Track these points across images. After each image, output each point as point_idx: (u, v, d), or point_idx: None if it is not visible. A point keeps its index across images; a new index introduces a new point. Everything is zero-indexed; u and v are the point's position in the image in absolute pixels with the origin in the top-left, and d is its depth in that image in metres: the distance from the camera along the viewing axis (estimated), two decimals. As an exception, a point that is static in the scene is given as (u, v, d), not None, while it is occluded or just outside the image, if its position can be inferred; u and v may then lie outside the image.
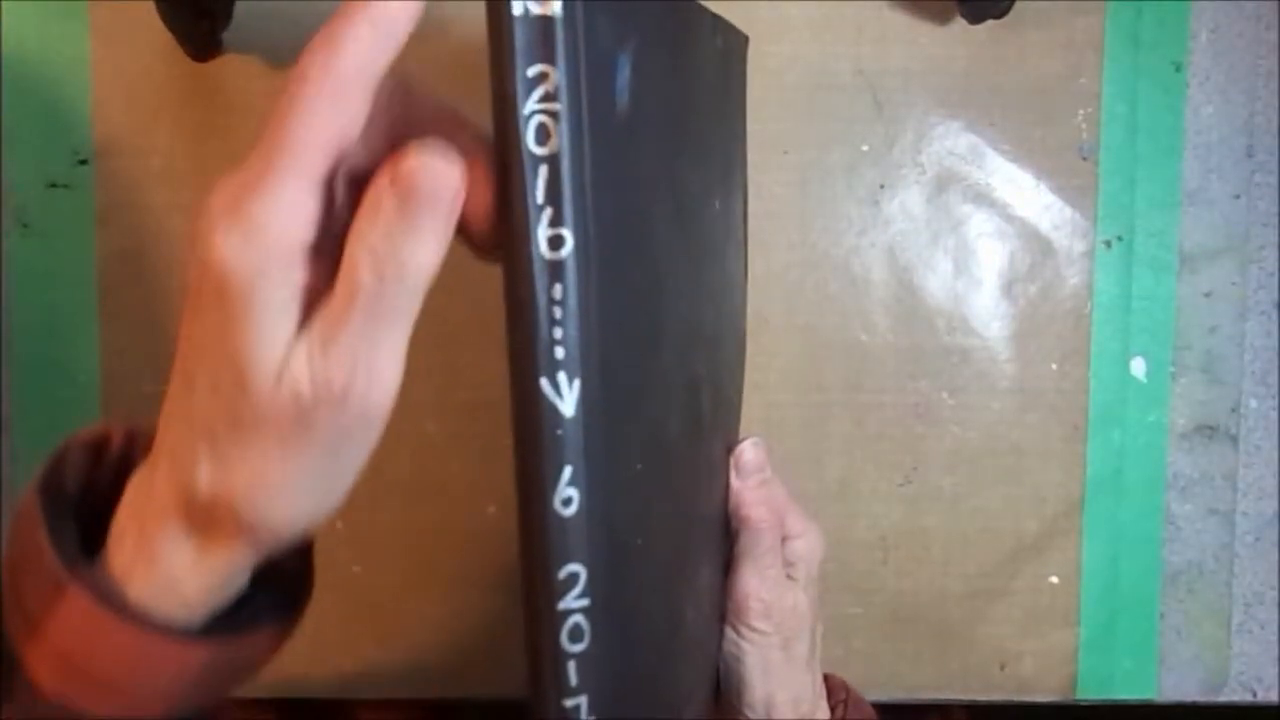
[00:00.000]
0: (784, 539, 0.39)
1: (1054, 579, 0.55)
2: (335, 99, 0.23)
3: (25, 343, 0.52)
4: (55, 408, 0.52)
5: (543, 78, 0.24)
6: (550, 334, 0.24)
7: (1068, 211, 0.54)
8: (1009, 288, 0.54)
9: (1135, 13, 0.54)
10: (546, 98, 0.24)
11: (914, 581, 0.54)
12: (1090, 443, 0.54)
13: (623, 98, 0.27)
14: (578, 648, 0.26)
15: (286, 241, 0.24)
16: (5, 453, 0.52)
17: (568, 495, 0.25)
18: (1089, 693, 0.55)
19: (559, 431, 0.25)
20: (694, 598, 0.34)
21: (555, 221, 0.24)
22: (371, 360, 0.24)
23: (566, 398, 0.25)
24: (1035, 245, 0.54)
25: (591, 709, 0.26)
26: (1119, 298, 0.54)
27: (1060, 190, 0.54)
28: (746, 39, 0.43)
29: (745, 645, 0.38)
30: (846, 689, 0.42)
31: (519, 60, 0.23)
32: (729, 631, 0.38)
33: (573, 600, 0.26)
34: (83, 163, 0.51)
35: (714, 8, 0.37)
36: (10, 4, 0.51)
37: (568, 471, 0.25)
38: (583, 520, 0.25)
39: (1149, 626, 0.55)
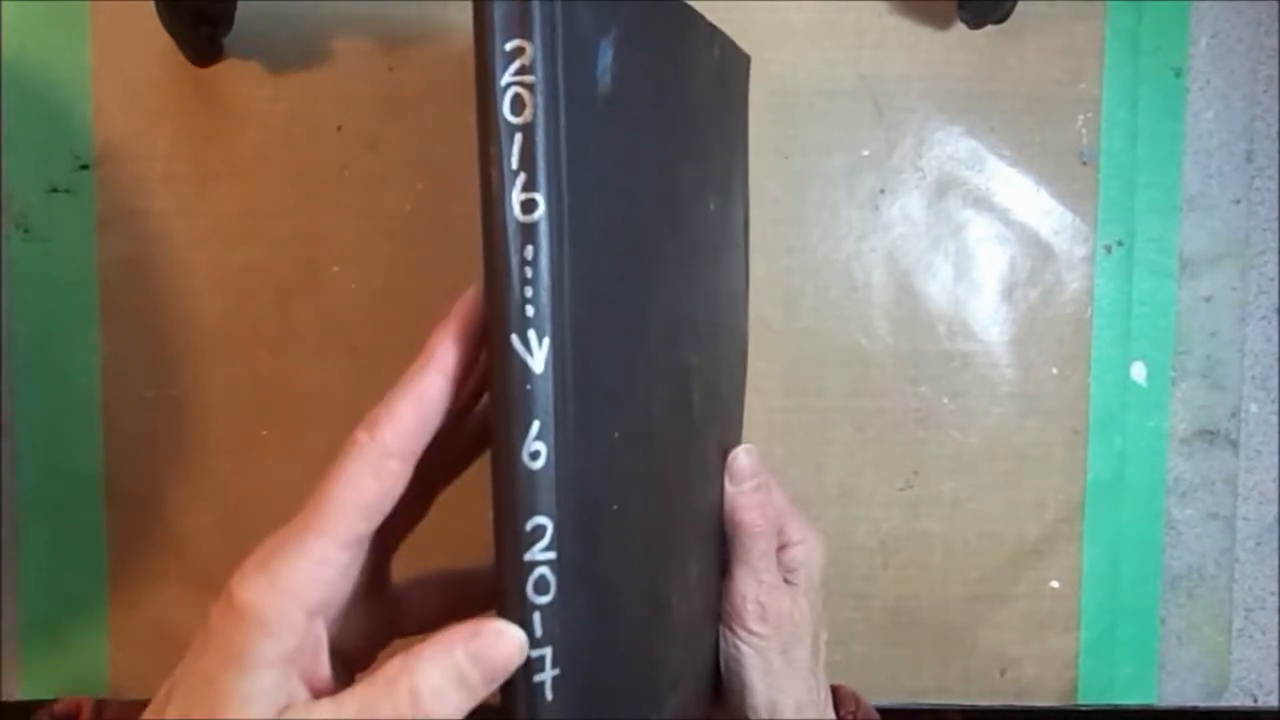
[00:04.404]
0: (783, 545, 0.39)
1: (1054, 584, 0.55)
2: (377, 469, 0.26)
3: (26, 348, 0.52)
4: (56, 413, 0.52)
5: (519, 51, 0.25)
6: (522, 293, 0.26)
7: (1068, 216, 0.54)
8: (1009, 292, 0.54)
9: (1135, 18, 0.54)
10: (522, 70, 0.25)
11: (914, 586, 0.54)
12: (1091, 447, 0.54)
13: (604, 80, 0.28)
14: (543, 599, 0.27)
15: (307, 594, 0.26)
16: (6, 457, 0.52)
17: (535, 449, 0.26)
18: (1089, 698, 0.55)
19: (528, 387, 0.26)
20: (682, 587, 0.35)
21: (528, 186, 0.26)
22: None
23: (536, 355, 0.26)
24: (1035, 250, 0.54)
25: (556, 661, 0.27)
26: (1119, 302, 0.54)
27: (1060, 195, 0.54)
28: (748, 58, 0.43)
29: (744, 649, 0.38)
30: (857, 700, 0.42)
31: (497, 34, 0.25)
32: (728, 635, 0.38)
33: (539, 552, 0.26)
34: (84, 168, 0.51)
35: (715, 12, 0.37)
36: (11, 8, 0.51)
37: (536, 426, 0.26)
38: (550, 474, 0.26)
39: (1150, 631, 0.55)
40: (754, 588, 0.38)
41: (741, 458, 0.38)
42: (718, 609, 0.39)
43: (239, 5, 0.49)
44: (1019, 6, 0.51)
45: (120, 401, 0.52)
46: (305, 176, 0.52)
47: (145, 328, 0.52)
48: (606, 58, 0.28)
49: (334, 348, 0.52)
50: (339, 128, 0.52)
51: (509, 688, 0.27)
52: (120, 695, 0.52)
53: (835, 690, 0.41)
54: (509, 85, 0.25)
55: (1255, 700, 0.56)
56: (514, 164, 0.25)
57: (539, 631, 0.27)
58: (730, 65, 0.41)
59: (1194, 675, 0.55)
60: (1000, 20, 0.52)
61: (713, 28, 0.37)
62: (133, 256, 0.52)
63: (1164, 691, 0.55)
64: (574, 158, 0.26)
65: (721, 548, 0.39)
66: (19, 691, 0.52)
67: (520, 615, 0.26)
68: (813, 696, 0.39)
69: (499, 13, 0.25)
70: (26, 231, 0.52)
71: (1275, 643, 0.56)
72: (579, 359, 0.27)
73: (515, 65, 0.25)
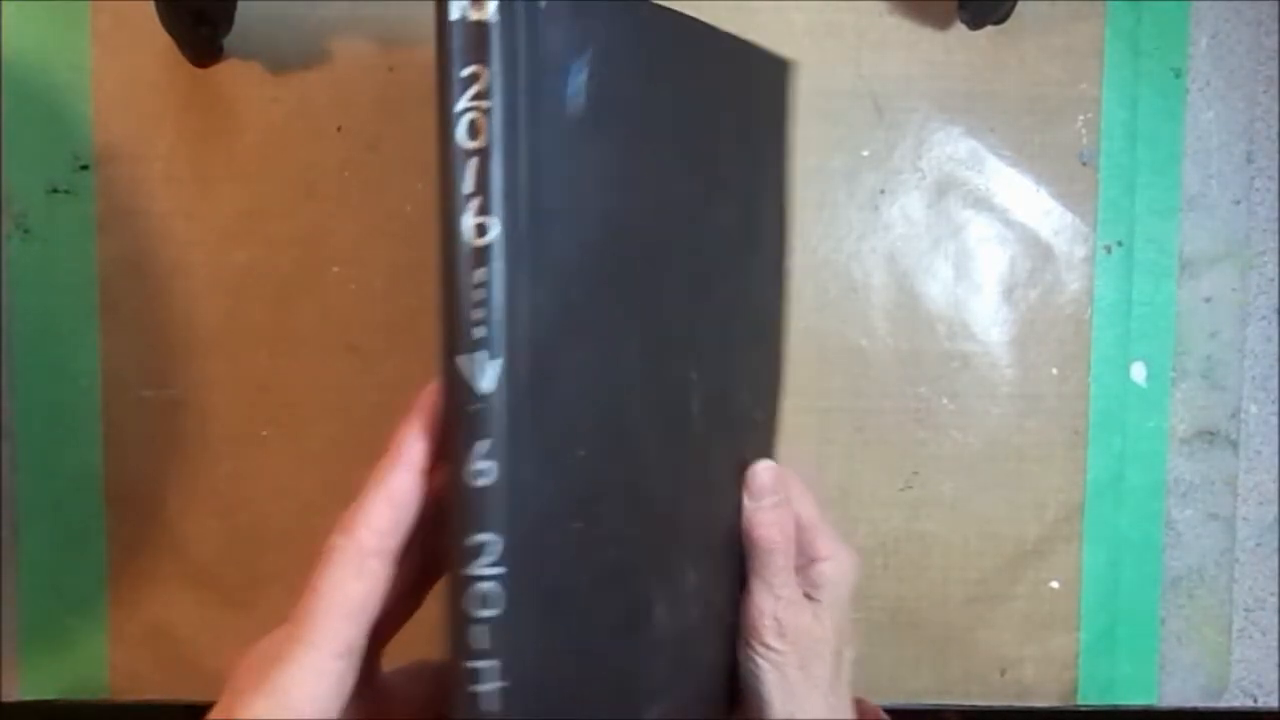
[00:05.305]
0: (812, 560, 0.39)
1: (1055, 584, 0.55)
2: (359, 570, 0.27)
3: (26, 348, 0.52)
4: (56, 413, 0.52)
5: (475, 78, 0.26)
6: (470, 315, 0.26)
7: (1068, 217, 0.54)
8: (1009, 293, 0.54)
9: (1135, 19, 0.54)
10: (479, 95, 0.26)
11: (914, 587, 0.54)
12: (1091, 448, 0.54)
13: (576, 100, 0.28)
14: (488, 613, 0.27)
15: (305, 711, 0.26)
16: (6, 458, 0.52)
17: (481, 468, 0.26)
18: (1090, 698, 0.55)
19: (473, 407, 0.26)
20: (671, 598, 0.35)
21: (482, 210, 0.26)
22: None
23: (485, 376, 0.26)
24: (1035, 250, 0.54)
25: (505, 674, 0.27)
26: (1119, 303, 0.54)
27: (1060, 196, 0.54)
28: (788, 64, 0.42)
29: (762, 664, 0.37)
30: (879, 717, 0.41)
31: (454, 60, 0.26)
32: (746, 649, 0.38)
33: (483, 568, 0.27)
34: (84, 168, 0.51)
35: (716, 12, 0.37)
36: (11, 8, 0.51)
37: (482, 445, 0.26)
38: (500, 492, 0.26)
39: (1150, 632, 0.55)
40: (771, 603, 0.37)
41: (760, 474, 0.38)
42: (731, 619, 0.38)
43: (239, 5, 0.49)
44: (1019, 6, 0.51)
45: (120, 401, 0.52)
46: (305, 176, 0.52)
47: (145, 328, 0.52)
48: (580, 78, 0.28)
49: (334, 348, 0.52)
50: (339, 128, 0.52)
51: (453, 700, 0.27)
52: (120, 695, 0.52)
53: (858, 703, 0.41)
54: (465, 110, 0.26)
55: (1255, 700, 0.56)
56: (468, 188, 0.26)
57: (484, 644, 0.27)
58: (758, 73, 0.40)
59: (1194, 675, 0.55)
60: (1000, 20, 0.52)
61: (732, 38, 0.37)
62: (133, 256, 0.52)
63: (1164, 692, 0.55)
64: (539, 180, 0.26)
65: (739, 560, 0.38)
66: (19, 691, 0.52)
67: (459, 628, 0.27)
68: (834, 714, 0.38)
69: (455, 38, 0.25)
70: (26, 232, 0.52)
71: (1275, 643, 0.56)
72: (539, 380, 0.27)
73: (472, 90, 0.26)
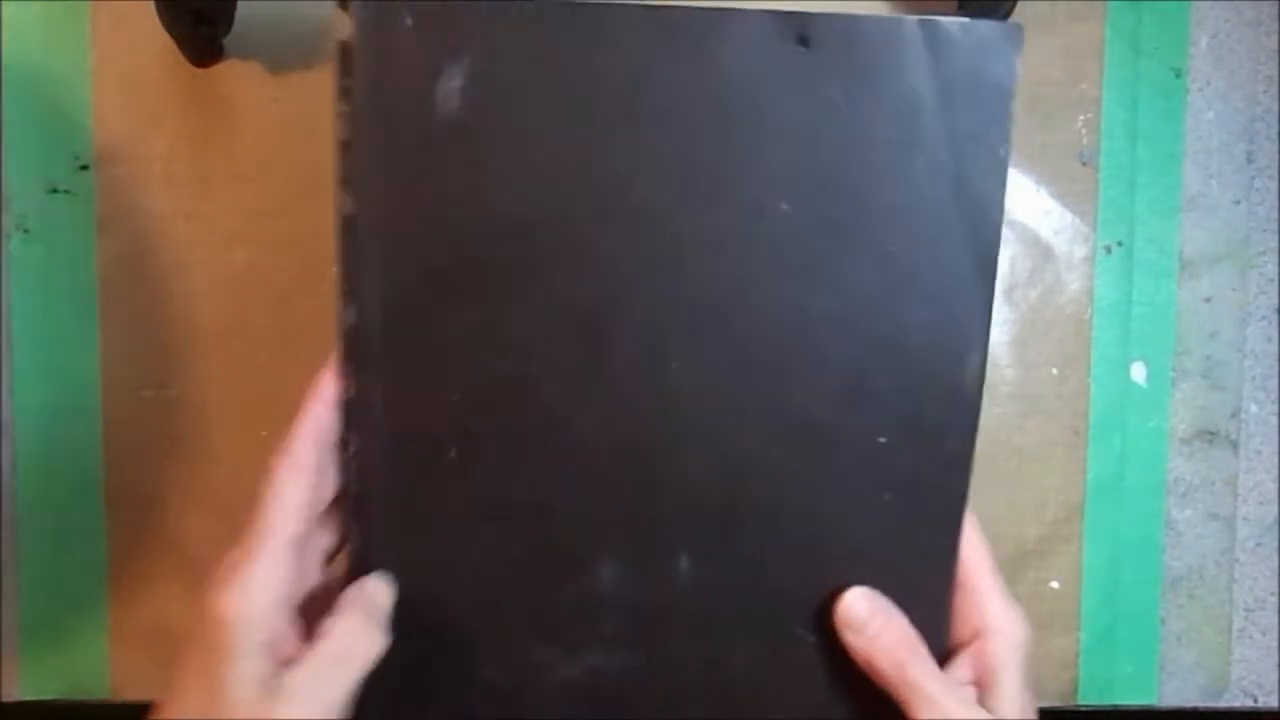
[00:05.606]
0: (977, 633, 0.35)
1: (1055, 584, 0.55)
2: (296, 480, 0.33)
3: (25, 348, 0.52)
4: (56, 413, 0.52)
5: (347, 86, 0.34)
6: (342, 269, 0.35)
7: (1068, 217, 0.54)
8: (1009, 293, 0.54)
9: (1135, 18, 0.54)
10: (348, 101, 0.34)
11: (914, 587, 0.54)
12: (1091, 448, 0.54)
13: (448, 104, 0.34)
14: (353, 487, 0.36)
15: (272, 592, 0.32)
16: (6, 458, 0.52)
17: (347, 385, 0.35)
18: (1090, 698, 0.55)
19: (344, 338, 0.35)
20: (632, 567, 0.37)
21: (346, 191, 0.34)
22: None
23: (349, 311, 0.35)
24: (1035, 250, 0.54)
25: (359, 539, 0.36)
26: (1119, 303, 0.54)
27: (1060, 196, 0.54)
28: (1019, 29, 0.36)
29: None
30: None
31: (336, 72, 0.34)
32: None
33: (348, 458, 0.36)
34: (84, 168, 0.51)
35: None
36: (11, 8, 0.51)
37: (348, 367, 0.35)
38: (354, 405, 0.35)
39: (1150, 632, 0.55)
40: (932, 715, 0.33)
41: (856, 605, 0.35)
42: (810, 634, 0.36)
43: (239, 5, 0.49)
44: (1019, 6, 0.51)
45: (120, 402, 0.52)
46: (305, 176, 0.52)
47: (145, 328, 0.52)
48: (453, 83, 0.34)
49: (334, 348, 0.52)
50: (339, 128, 0.52)
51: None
52: (120, 695, 0.52)
53: None
54: (340, 112, 0.34)
55: (1255, 700, 0.56)
56: (341, 174, 0.34)
57: (350, 510, 0.36)
58: (841, 51, 0.35)
59: (1194, 675, 0.55)
60: (1000, 20, 0.52)
61: (781, 14, 0.34)
62: (132, 257, 0.52)
63: (1164, 692, 0.55)
64: (395, 170, 0.34)
65: (826, 587, 0.36)
66: (19, 691, 0.52)
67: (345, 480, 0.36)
68: None
69: (337, 54, 0.33)
70: (26, 232, 0.52)
71: (1275, 643, 0.56)
72: (392, 328, 0.35)
73: (345, 95, 0.34)
